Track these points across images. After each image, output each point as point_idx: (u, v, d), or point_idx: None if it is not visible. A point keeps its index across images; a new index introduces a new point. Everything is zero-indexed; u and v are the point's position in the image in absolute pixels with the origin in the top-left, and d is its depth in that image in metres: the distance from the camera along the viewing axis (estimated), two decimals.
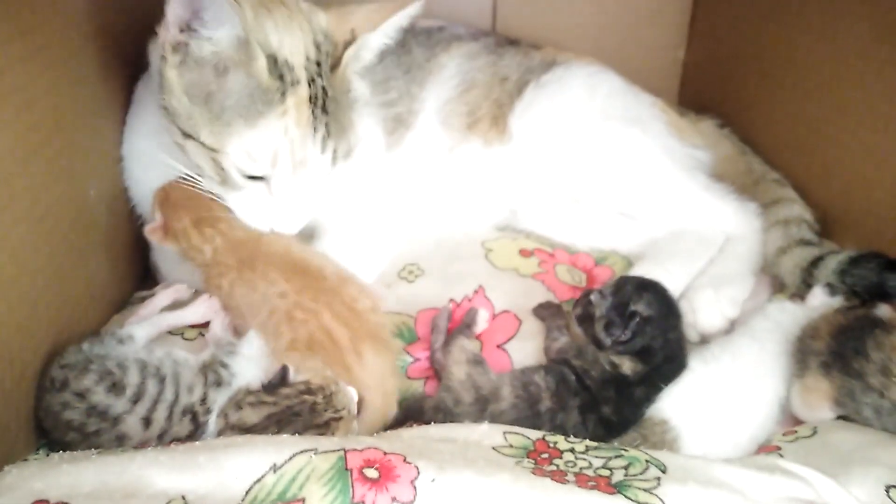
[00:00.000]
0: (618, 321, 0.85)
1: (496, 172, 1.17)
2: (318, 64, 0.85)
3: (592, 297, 0.87)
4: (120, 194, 1.00)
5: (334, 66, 0.86)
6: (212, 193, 0.89)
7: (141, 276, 1.05)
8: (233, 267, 0.87)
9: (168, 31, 0.81)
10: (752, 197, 1.14)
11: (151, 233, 0.90)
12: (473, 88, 1.18)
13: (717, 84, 1.41)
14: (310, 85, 0.83)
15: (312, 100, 0.84)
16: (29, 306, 0.76)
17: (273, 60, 0.81)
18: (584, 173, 1.13)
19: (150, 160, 0.95)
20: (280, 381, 0.76)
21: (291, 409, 0.74)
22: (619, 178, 1.12)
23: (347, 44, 0.86)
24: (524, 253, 1.13)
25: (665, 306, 0.87)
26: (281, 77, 0.81)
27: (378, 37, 0.88)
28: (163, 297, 0.94)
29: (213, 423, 0.76)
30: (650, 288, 0.88)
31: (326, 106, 0.85)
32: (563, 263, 1.13)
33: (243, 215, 0.90)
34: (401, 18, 0.87)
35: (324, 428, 0.74)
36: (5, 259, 0.72)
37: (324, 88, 0.85)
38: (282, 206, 0.88)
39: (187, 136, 0.83)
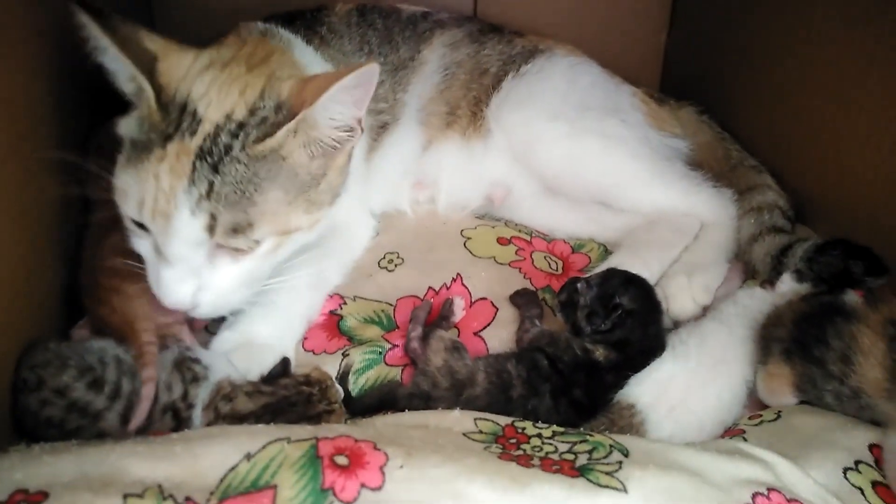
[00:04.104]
0: (601, 312, 0.87)
1: (475, 164, 1.19)
2: (242, 125, 0.79)
3: (579, 286, 0.90)
4: None
5: (269, 133, 0.78)
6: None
7: None
8: None
9: None
10: (728, 183, 1.16)
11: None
12: (453, 86, 1.18)
13: (699, 70, 1.42)
14: (206, 139, 0.77)
15: (203, 154, 0.77)
16: (7, 302, 0.77)
17: (181, 107, 0.78)
18: (562, 164, 1.14)
19: None
20: (281, 372, 0.79)
21: (288, 399, 0.76)
22: (597, 168, 1.14)
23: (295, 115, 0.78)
24: (502, 241, 1.15)
25: (648, 302, 0.89)
26: (178, 123, 0.77)
27: (318, 111, 0.79)
28: None
29: (197, 417, 0.76)
30: (636, 283, 0.90)
31: (222, 167, 0.77)
32: (540, 251, 1.14)
33: (148, 274, 0.83)
34: (337, 90, 0.77)
35: (315, 419, 0.76)
36: None
37: (228, 147, 0.77)
38: (161, 266, 0.80)
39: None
